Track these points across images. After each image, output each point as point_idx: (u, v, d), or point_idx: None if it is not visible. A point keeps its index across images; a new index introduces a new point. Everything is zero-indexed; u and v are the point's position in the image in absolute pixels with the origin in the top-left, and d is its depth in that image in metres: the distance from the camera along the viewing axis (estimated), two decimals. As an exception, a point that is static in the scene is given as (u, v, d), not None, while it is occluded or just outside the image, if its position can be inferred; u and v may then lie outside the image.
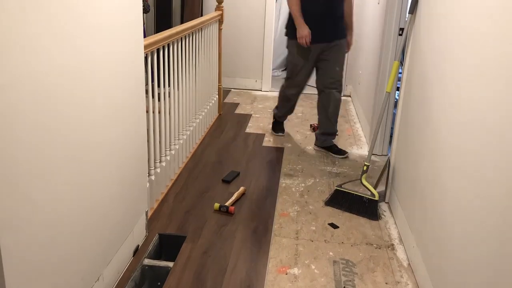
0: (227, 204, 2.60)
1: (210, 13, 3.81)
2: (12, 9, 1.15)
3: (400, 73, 3.06)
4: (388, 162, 2.78)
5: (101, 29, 1.65)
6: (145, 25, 4.64)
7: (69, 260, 1.55)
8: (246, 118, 4.27)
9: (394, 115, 3.24)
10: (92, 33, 1.58)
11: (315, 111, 4.51)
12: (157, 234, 2.33)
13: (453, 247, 1.67)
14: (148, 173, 2.45)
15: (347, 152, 3.47)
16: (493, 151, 1.40)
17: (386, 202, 2.79)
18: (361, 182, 2.74)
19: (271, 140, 3.74)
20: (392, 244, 2.36)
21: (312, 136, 3.86)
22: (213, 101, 3.99)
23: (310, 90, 4.17)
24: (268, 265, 2.15)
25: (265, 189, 2.88)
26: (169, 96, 2.78)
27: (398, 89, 3.33)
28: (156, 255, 2.29)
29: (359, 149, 3.64)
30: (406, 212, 2.37)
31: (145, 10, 4.22)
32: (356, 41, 4.97)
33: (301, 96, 3.69)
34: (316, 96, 3.56)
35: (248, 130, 3.95)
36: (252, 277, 2.05)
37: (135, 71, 2.02)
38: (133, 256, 2.15)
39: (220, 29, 4.01)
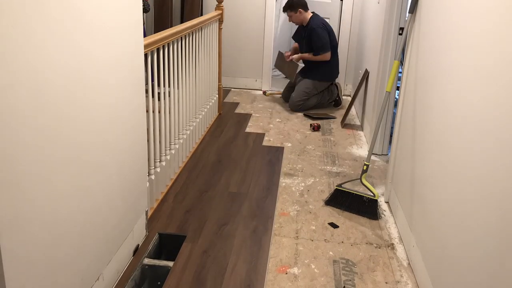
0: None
1: (210, 13, 3.81)
2: (12, 9, 1.15)
3: (400, 72, 3.06)
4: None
5: (101, 28, 1.65)
6: (145, 24, 4.65)
7: (69, 260, 1.55)
8: (246, 117, 4.27)
9: (394, 114, 3.24)
10: (92, 32, 1.58)
11: (315, 110, 4.55)
12: (157, 234, 2.33)
13: (452, 247, 1.67)
14: (148, 173, 2.45)
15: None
16: (493, 150, 1.40)
17: (386, 202, 2.79)
18: (361, 182, 2.74)
19: (271, 139, 3.75)
20: (392, 244, 2.36)
21: (312, 136, 3.87)
22: (213, 101, 3.99)
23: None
24: (268, 264, 2.15)
25: (265, 188, 2.88)
26: (169, 96, 2.78)
27: (398, 88, 3.34)
28: (156, 255, 2.30)
29: (359, 148, 3.64)
30: (406, 212, 2.37)
31: (145, 9, 4.22)
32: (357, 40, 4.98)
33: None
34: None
35: (248, 129, 3.95)
36: (252, 276, 2.05)
37: (135, 71, 2.02)
38: (133, 255, 2.15)
39: (220, 29, 4.01)
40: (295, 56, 4.58)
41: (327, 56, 4.42)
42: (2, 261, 1.18)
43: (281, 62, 4.82)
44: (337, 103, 4.71)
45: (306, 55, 4.52)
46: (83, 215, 1.62)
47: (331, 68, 4.53)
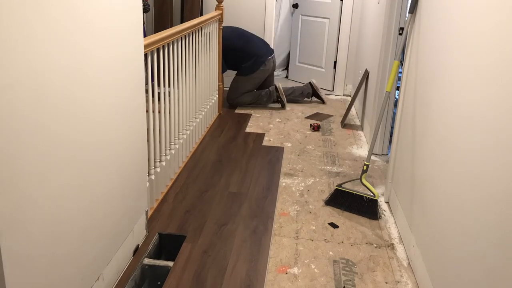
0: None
1: (210, 13, 3.81)
2: (12, 10, 1.15)
3: (400, 72, 3.06)
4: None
5: (101, 28, 1.65)
6: (145, 24, 4.64)
7: (69, 260, 1.55)
8: (246, 117, 4.27)
9: (394, 114, 3.24)
10: (92, 32, 1.58)
11: (315, 110, 4.55)
12: (157, 234, 2.33)
13: (452, 247, 1.67)
14: (148, 173, 2.45)
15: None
16: (492, 150, 1.40)
17: (386, 202, 2.79)
18: (361, 182, 2.74)
19: (271, 139, 3.75)
20: (392, 244, 2.36)
21: (312, 136, 3.87)
22: (213, 101, 4.00)
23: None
24: (268, 264, 2.15)
25: (265, 188, 2.88)
26: (169, 96, 2.78)
27: (398, 88, 3.34)
28: (156, 255, 2.30)
29: (359, 148, 3.64)
30: (406, 212, 2.37)
31: (145, 9, 4.22)
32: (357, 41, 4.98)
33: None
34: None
35: (248, 129, 3.95)
36: (252, 276, 2.05)
37: (135, 71, 2.02)
38: (133, 255, 2.15)
39: (220, 29, 4.01)
40: None
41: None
42: (2, 260, 1.18)
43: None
44: (281, 104, 4.61)
45: None
46: (83, 215, 1.62)
47: (245, 63, 4.44)
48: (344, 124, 4.17)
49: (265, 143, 3.66)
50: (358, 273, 2.12)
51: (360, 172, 2.81)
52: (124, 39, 1.86)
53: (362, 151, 3.59)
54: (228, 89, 4.65)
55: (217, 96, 4.16)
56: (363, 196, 2.64)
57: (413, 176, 2.27)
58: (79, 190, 1.58)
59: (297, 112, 4.51)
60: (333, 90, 5.23)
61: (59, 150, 1.42)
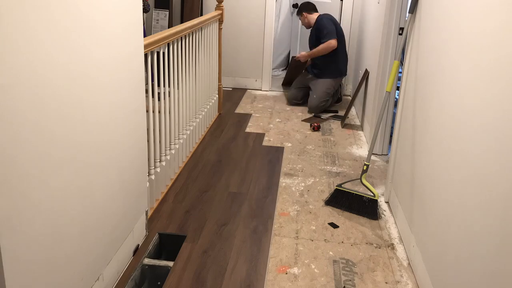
0: None
1: (210, 13, 3.81)
2: (12, 10, 1.15)
3: (400, 72, 3.06)
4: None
5: (102, 29, 1.65)
6: (145, 24, 4.65)
7: (69, 260, 1.55)
8: (246, 117, 4.27)
9: (394, 114, 3.24)
10: (93, 32, 1.58)
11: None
12: (157, 234, 2.33)
13: (453, 247, 1.67)
14: (148, 173, 2.45)
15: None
16: (493, 150, 1.40)
17: (386, 202, 2.79)
18: (361, 182, 2.74)
19: (271, 139, 3.75)
20: (392, 244, 2.36)
21: (312, 136, 3.87)
22: (213, 101, 3.99)
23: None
24: (268, 264, 2.15)
25: (265, 188, 2.88)
26: (169, 96, 2.78)
27: (398, 88, 3.34)
28: (156, 255, 2.30)
29: (359, 148, 3.64)
30: (406, 212, 2.37)
31: (145, 9, 4.22)
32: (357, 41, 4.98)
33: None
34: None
35: (248, 129, 3.95)
36: (252, 276, 2.05)
37: (135, 71, 2.02)
38: (133, 255, 2.15)
39: (220, 29, 4.01)
40: (303, 53, 4.58)
41: (332, 42, 4.32)
42: (2, 261, 1.18)
43: (290, 72, 4.90)
44: (339, 99, 4.79)
45: (313, 50, 4.48)
46: (83, 215, 1.62)
47: (343, 63, 4.54)
48: (344, 124, 4.17)
49: (265, 143, 3.66)
50: (358, 273, 2.12)
51: (360, 172, 2.81)
52: (124, 39, 1.86)
53: (362, 151, 3.59)
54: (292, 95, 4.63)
55: (217, 96, 4.16)
56: (363, 196, 2.64)
57: (413, 176, 2.27)
58: (79, 191, 1.58)
59: (297, 112, 4.51)
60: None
61: (58, 151, 1.42)
